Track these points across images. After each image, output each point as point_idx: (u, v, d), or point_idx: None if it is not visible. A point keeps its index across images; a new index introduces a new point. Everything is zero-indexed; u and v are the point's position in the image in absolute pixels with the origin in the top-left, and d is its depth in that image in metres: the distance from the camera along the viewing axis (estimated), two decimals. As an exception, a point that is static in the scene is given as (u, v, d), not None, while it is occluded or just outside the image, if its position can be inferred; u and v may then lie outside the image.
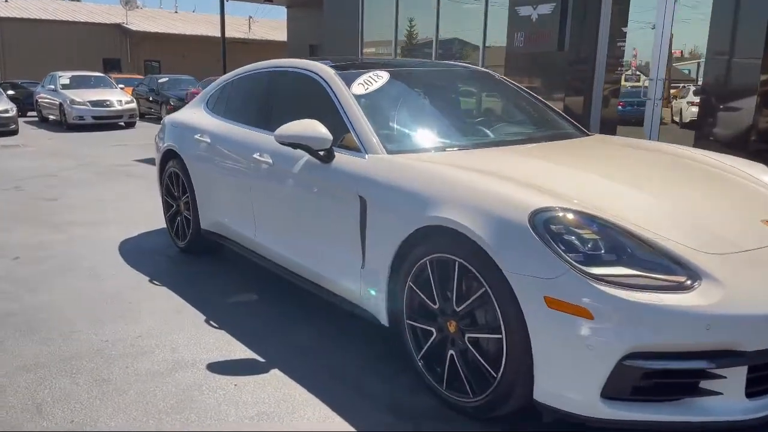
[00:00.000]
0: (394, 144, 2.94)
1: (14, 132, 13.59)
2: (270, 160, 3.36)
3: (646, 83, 7.64)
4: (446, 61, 5.08)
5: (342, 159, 2.92)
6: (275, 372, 2.74)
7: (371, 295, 2.75)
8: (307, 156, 3.06)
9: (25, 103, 18.21)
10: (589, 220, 2.10)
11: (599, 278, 1.94)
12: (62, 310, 3.46)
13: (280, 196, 3.35)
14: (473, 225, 2.20)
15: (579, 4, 8.10)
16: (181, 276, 4.07)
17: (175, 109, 12.54)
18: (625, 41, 8.37)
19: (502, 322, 2.14)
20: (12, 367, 2.80)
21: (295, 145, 2.98)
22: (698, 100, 8.50)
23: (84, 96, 15.14)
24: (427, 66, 4.25)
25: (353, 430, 2.32)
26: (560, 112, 3.90)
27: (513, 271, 2.07)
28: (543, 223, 2.07)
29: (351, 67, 3.48)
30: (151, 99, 18.37)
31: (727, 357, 1.91)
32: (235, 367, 2.81)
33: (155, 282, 3.92)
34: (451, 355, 2.38)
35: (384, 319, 2.72)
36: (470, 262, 2.23)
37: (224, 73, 16.89)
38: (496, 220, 2.16)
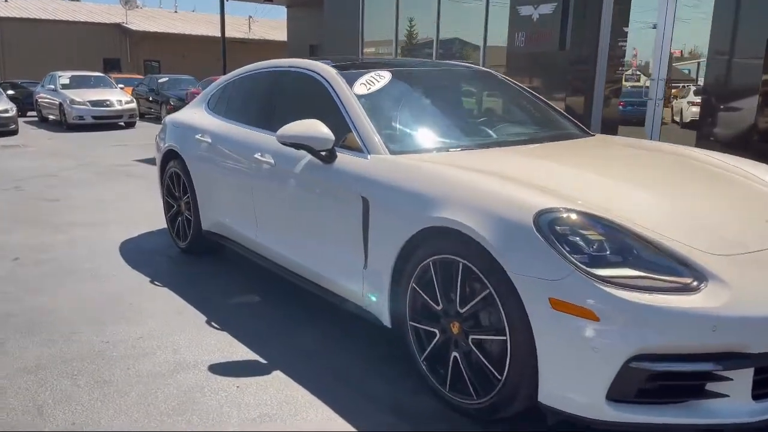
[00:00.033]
0: (397, 144, 2.93)
1: (14, 132, 13.58)
2: (271, 161, 3.35)
3: (648, 83, 7.64)
4: (448, 61, 5.07)
5: (344, 159, 2.91)
6: (277, 374, 2.73)
7: (373, 296, 2.74)
8: (308, 156, 3.05)
9: (24, 102, 18.20)
10: (594, 221, 2.08)
11: (605, 280, 1.92)
12: (63, 311, 3.44)
13: (281, 197, 3.33)
14: (477, 226, 2.18)
15: (580, 4, 8.09)
16: (182, 277, 4.06)
17: (175, 109, 12.53)
18: (626, 41, 8.36)
19: (506, 324, 2.13)
20: (13, 368, 2.79)
21: (297, 146, 2.97)
22: (699, 100, 8.49)
23: (84, 96, 15.13)
24: (429, 66, 4.24)
25: (356, 431, 2.32)
26: (563, 112, 3.88)
27: (517, 273, 2.06)
28: (548, 224, 2.05)
29: (353, 66, 3.47)
30: (151, 99, 18.35)
31: (733, 359, 1.90)
32: (237, 369, 2.79)
33: (156, 283, 3.91)
34: (455, 356, 2.37)
35: (386, 321, 2.70)
36: (474, 264, 2.22)
37: (224, 73, 16.88)
38: (501, 221, 2.15)
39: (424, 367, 2.52)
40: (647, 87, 7.56)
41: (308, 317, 3.38)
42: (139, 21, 35.37)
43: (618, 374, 1.90)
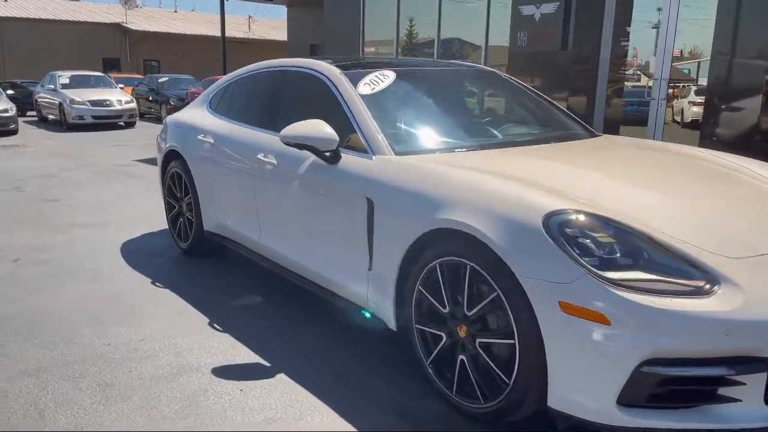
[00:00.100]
0: (402, 145, 2.90)
1: (14, 132, 13.55)
2: (274, 161, 3.32)
3: (650, 83, 7.61)
4: (452, 61, 5.04)
5: (348, 160, 2.88)
6: (281, 376, 2.70)
7: (378, 299, 2.71)
8: (312, 157, 3.02)
9: (24, 102, 18.16)
10: (604, 223, 2.05)
11: (616, 283, 1.90)
12: (64, 312, 3.41)
13: (284, 198, 3.30)
14: (485, 228, 2.15)
15: (582, 4, 8.07)
16: (184, 278, 4.03)
17: (175, 108, 12.51)
18: (628, 40, 8.34)
19: (514, 327, 2.10)
20: (14, 371, 2.75)
21: (300, 146, 2.94)
22: (700, 100, 8.48)
23: (84, 96, 15.10)
24: (433, 65, 4.21)
25: (362, 436, 2.29)
26: (568, 112, 3.85)
27: (526, 275, 2.03)
28: (557, 226, 2.02)
29: (357, 66, 3.44)
30: (150, 99, 18.32)
31: (746, 363, 1.87)
32: (240, 372, 2.76)
33: (158, 284, 3.88)
34: (462, 360, 2.34)
35: (392, 323, 2.67)
36: (482, 266, 2.19)
37: (224, 72, 16.86)
38: (509, 223, 2.12)
39: (430, 370, 2.49)
40: (649, 87, 7.53)
41: (310, 318, 3.35)
42: (139, 21, 35.33)
43: (629, 379, 1.87)
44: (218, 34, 22.99)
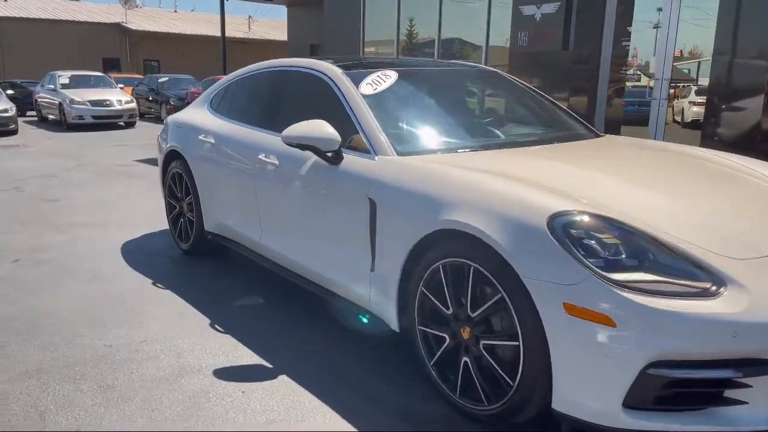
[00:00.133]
0: (404, 145, 2.88)
1: (14, 132, 13.52)
2: (276, 162, 3.30)
3: (651, 83, 7.60)
4: (454, 61, 5.03)
5: (350, 160, 2.86)
6: (283, 378, 2.69)
7: (381, 300, 2.69)
8: (314, 157, 3.00)
9: (24, 102, 18.13)
10: (609, 223, 2.04)
11: (621, 284, 1.88)
12: (64, 313, 3.40)
13: (286, 198, 3.29)
14: (489, 229, 2.14)
15: (583, 3, 8.05)
16: (185, 278, 4.01)
17: (176, 108, 12.49)
18: (629, 40, 8.32)
19: (519, 329, 2.08)
20: (14, 372, 2.74)
21: (302, 146, 2.92)
22: (701, 100, 8.46)
23: (84, 95, 15.07)
24: (435, 65, 4.19)
25: (365, 438, 2.27)
26: (571, 112, 3.84)
27: (531, 277, 2.02)
28: (562, 227, 2.01)
29: (358, 66, 3.42)
30: (150, 99, 18.30)
31: (753, 365, 1.85)
32: (242, 373, 2.75)
33: (158, 285, 3.86)
34: (465, 362, 2.33)
35: (394, 325, 2.66)
36: (486, 267, 2.17)
37: (224, 72, 16.83)
38: (513, 224, 2.10)
39: (433, 372, 2.48)
40: (651, 87, 7.52)
41: (312, 318, 3.34)
42: (139, 21, 35.31)
43: (635, 381, 1.86)
44: (218, 34, 22.99)
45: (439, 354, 2.44)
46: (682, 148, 3.41)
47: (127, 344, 3.02)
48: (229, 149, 3.81)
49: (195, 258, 4.41)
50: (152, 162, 8.53)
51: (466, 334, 2.32)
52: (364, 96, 3.07)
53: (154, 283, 3.89)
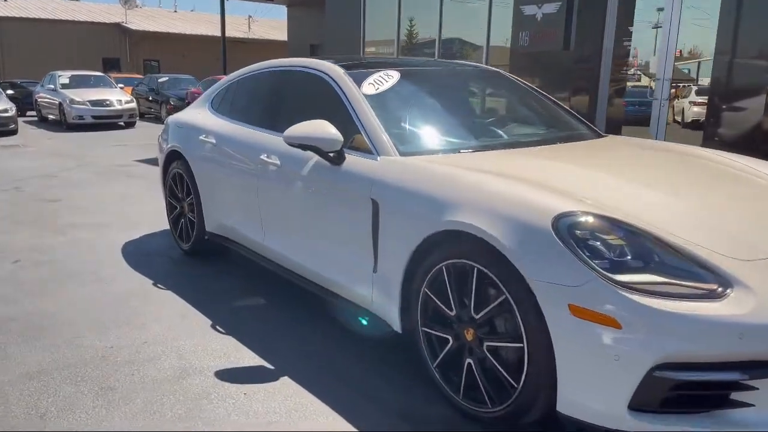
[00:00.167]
0: (407, 145, 2.87)
1: (14, 132, 13.51)
2: (278, 162, 3.29)
3: (652, 83, 7.59)
4: (456, 61, 5.01)
5: (353, 161, 2.85)
6: (285, 379, 2.67)
7: (383, 301, 2.68)
8: (316, 157, 2.99)
9: (24, 102, 18.12)
10: (614, 224, 2.02)
11: (627, 286, 1.87)
12: (65, 314, 3.38)
13: (288, 199, 3.27)
14: (493, 230, 2.12)
15: (584, 3, 8.04)
16: (186, 279, 4.00)
17: (176, 108, 12.48)
18: (630, 40, 8.31)
19: (523, 331, 2.07)
20: (15, 374, 2.72)
21: (304, 147, 2.91)
22: (701, 100, 8.45)
23: (84, 95, 15.06)
24: (438, 65, 4.18)
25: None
26: (573, 112, 3.82)
27: (535, 278, 2.00)
28: (567, 228, 1.99)
29: (360, 66, 3.41)
30: (150, 99, 18.29)
31: (760, 368, 1.84)
32: (244, 375, 2.73)
33: (159, 286, 3.85)
34: (469, 363, 2.31)
35: (397, 326, 2.64)
36: (489, 268, 2.16)
37: (224, 72, 16.81)
38: (517, 225, 2.09)
39: (436, 374, 2.46)
40: (652, 87, 7.51)
41: (314, 319, 3.32)
42: (139, 21, 35.29)
43: (641, 383, 1.84)
44: (218, 34, 22.98)
45: (442, 355, 2.43)
46: (686, 148, 3.40)
47: (128, 345, 3.00)
48: (230, 149, 3.79)
49: (196, 258, 4.39)
50: (152, 162, 8.53)
51: (469, 335, 2.30)
52: (366, 96, 3.06)
53: (155, 284, 3.87)
